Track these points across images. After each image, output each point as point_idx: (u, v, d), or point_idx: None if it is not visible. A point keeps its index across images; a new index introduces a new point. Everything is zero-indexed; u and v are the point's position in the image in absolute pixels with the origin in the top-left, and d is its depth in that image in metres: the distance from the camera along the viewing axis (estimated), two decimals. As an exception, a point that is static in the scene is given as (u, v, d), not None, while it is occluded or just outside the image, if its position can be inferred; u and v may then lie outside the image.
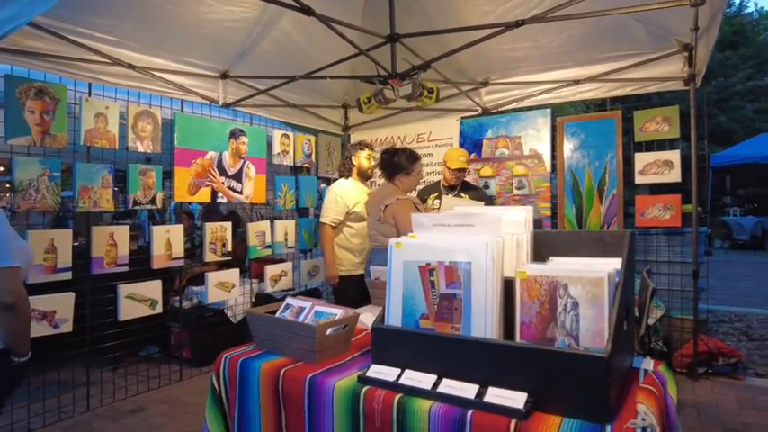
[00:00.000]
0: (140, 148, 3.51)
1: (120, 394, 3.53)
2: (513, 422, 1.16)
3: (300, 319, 1.80)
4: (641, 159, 3.79)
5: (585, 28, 3.36)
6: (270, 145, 4.55)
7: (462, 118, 4.75)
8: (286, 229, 4.62)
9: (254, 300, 4.66)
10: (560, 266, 1.38)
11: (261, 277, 4.70)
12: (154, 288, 3.58)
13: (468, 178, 4.29)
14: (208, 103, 4.13)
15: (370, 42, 3.28)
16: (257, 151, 4.36)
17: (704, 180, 3.62)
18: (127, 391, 3.60)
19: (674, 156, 3.70)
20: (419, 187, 3.97)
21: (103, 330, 3.49)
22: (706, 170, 3.74)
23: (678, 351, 3.87)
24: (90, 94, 3.32)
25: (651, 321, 3.76)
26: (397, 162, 3.11)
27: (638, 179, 3.82)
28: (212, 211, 6.24)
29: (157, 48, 3.46)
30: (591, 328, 1.24)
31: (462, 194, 3.86)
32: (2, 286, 1.60)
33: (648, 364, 1.52)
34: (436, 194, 3.95)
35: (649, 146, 3.85)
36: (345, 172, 3.80)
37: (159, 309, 3.60)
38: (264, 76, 4.00)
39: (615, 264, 1.37)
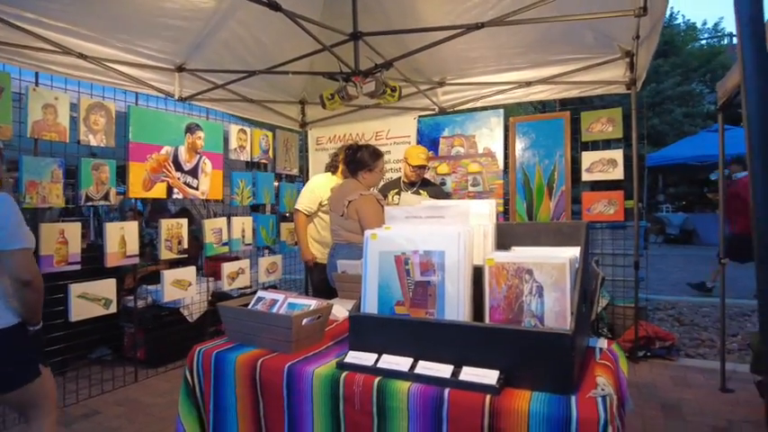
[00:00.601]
0: (93, 142, 3.38)
1: (70, 399, 3.39)
2: (487, 398, 1.25)
3: (274, 311, 1.83)
4: (588, 158, 4.04)
5: (539, 32, 3.54)
6: (226, 140, 4.48)
7: (420, 116, 4.87)
8: (243, 226, 4.57)
9: (210, 298, 4.58)
10: (525, 254, 1.49)
11: (216, 275, 4.63)
12: (108, 287, 3.45)
13: (427, 175, 4.41)
14: (163, 96, 4.02)
15: (332, 39, 3.31)
16: (214, 146, 4.29)
17: (642, 178, 3.91)
18: (78, 395, 3.46)
19: (618, 155, 3.97)
20: (380, 183, 4.06)
21: (51, 332, 3.33)
22: (643, 168, 4.03)
23: (621, 336, 4.15)
24: (37, 84, 3.17)
25: (598, 310, 4.03)
26: (361, 158, 3.16)
27: (585, 176, 4.06)
28: (160, 209, 6.05)
29: (110, 37, 3.34)
30: (554, 310, 1.35)
31: (421, 191, 3.97)
32: (21, 265, 1.81)
33: (603, 342, 1.66)
34: (396, 191, 4.04)
35: (595, 145, 4.10)
36: (332, 168, 3.97)
37: (113, 308, 3.48)
38: (222, 69, 3.94)
39: (574, 252, 1.50)
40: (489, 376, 1.29)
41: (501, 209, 4.44)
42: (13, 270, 1.81)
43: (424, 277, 1.49)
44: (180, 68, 3.95)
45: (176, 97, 4.09)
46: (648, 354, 4.07)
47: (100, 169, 3.42)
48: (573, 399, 1.21)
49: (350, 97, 3.22)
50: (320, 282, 3.71)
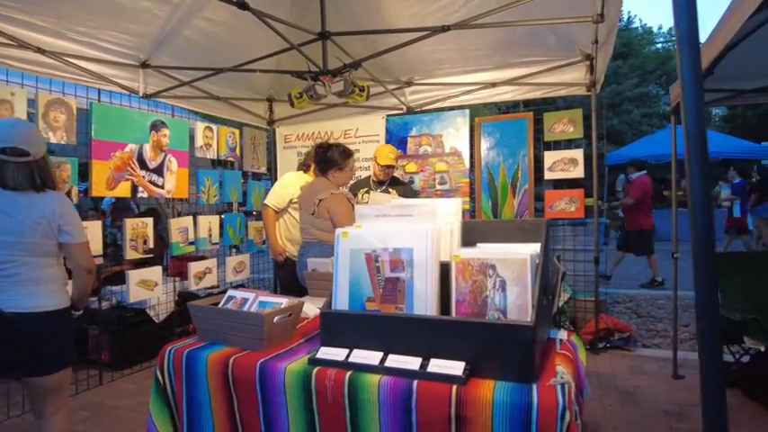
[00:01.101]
0: (53, 139, 3.28)
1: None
2: (454, 388, 1.31)
3: (245, 310, 1.84)
4: (550, 157, 4.18)
5: (503, 35, 3.64)
6: (192, 138, 4.41)
7: (388, 116, 4.92)
8: (210, 225, 4.52)
9: (177, 298, 4.51)
10: (489, 250, 1.56)
11: (183, 275, 4.56)
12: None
13: (396, 174, 4.47)
14: (127, 93, 3.93)
15: (300, 38, 3.32)
16: (179, 144, 4.22)
17: (602, 176, 4.08)
18: (39, 399, 3.35)
19: (578, 154, 4.13)
20: (350, 182, 4.10)
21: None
22: (603, 167, 4.20)
23: (582, 329, 4.32)
24: (-8, 79, 3.06)
25: (560, 304, 4.18)
26: (331, 157, 3.18)
27: (547, 175, 4.21)
28: (124, 208, 5.91)
29: (70, 31, 3.23)
30: (516, 303, 1.43)
31: (390, 189, 4.02)
32: (86, 256, 2.13)
33: (563, 334, 1.75)
34: (366, 189, 4.08)
35: (557, 145, 4.25)
36: (304, 167, 3.99)
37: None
38: (188, 66, 3.88)
39: (535, 248, 1.57)
40: (455, 367, 1.35)
41: (467, 207, 4.54)
42: (81, 259, 2.10)
43: (393, 274, 1.54)
44: (144, 64, 3.86)
45: (141, 94, 4.00)
46: (608, 345, 4.25)
47: (61, 167, 3.32)
48: (534, 387, 1.29)
49: (318, 96, 3.24)
50: (288, 280, 3.72)
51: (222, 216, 4.74)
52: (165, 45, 3.72)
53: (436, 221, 1.65)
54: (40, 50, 3.18)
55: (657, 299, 6.27)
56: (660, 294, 6.49)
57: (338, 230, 1.63)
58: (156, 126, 4.00)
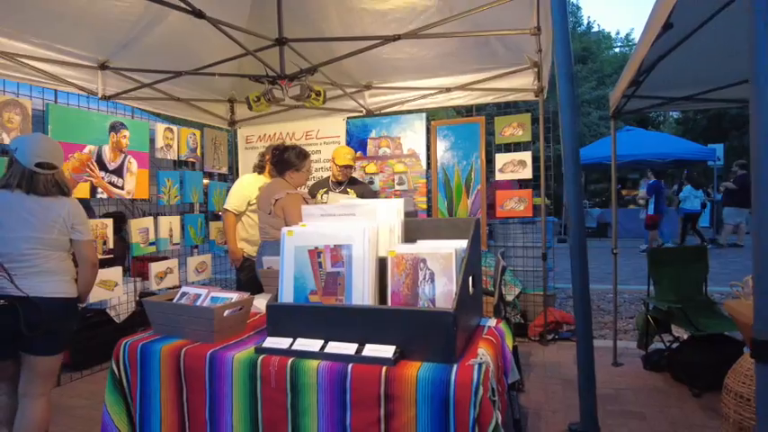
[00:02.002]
0: (6, 141, 3.27)
1: (-14, 405, 3.28)
2: (384, 369, 1.46)
3: (198, 304, 1.95)
4: (501, 159, 4.40)
5: (454, 43, 3.82)
6: (153, 139, 4.44)
7: (348, 118, 5.05)
8: (171, 226, 4.55)
9: (138, 298, 4.53)
10: (422, 246, 1.72)
11: (144, 275, 4.57)
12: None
13: (355, 174, 4.60)
14: (86, 94, 3.93)
15: (259, 43, 3.42)
16: (139, 145, 4.24)
17: (550, 177, 4.30)
18: (-6, 401, 3.34)
19: (527, 156, 4.36)
20: (309, 182, 4.21)
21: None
22: (552, 168, 4.43)
23: (532, 322, 4.56)
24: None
25: (510, 298, 4.41)
26: (287, 159, 3.29)
27: (498, 176, 4.42)
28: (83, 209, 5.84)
29: (26, 33, 3.24)
30: (443, 292, 1.59)
31: (349, 189, 4.15)
32: (92, 251, 2.43)
33: (492, 322, 1.93)
34: (325, 189, 4.20)
35: (507, 148, 4.47)
36: (259, 168, 4.04)
37: None
38: (148, 69, 3.92)
39: (462, 243, 1.74)
40: (387, 351, 1.50)
41: (425, 206, 4.72)
42: (89, 255, 2.39)
43: (334, 268, 1.68)
44: (103, 66, 3.88)
45: (99, 95, 4.01)
46: (556, 336, 4.49)
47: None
48: (455, 366, 1.45)
49: (276, 100, 3.34)
50: (248, 281, 3.80)
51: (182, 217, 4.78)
52: (126, 48, 3.76)
53: (376, 220, 1.80)
54: (-8, 51, 3.18)
55: (607, 293, 6.61)
56: (610, 289, 6.82)
57: (284, 229, 1.76)
58: (115, 127, 4.02)
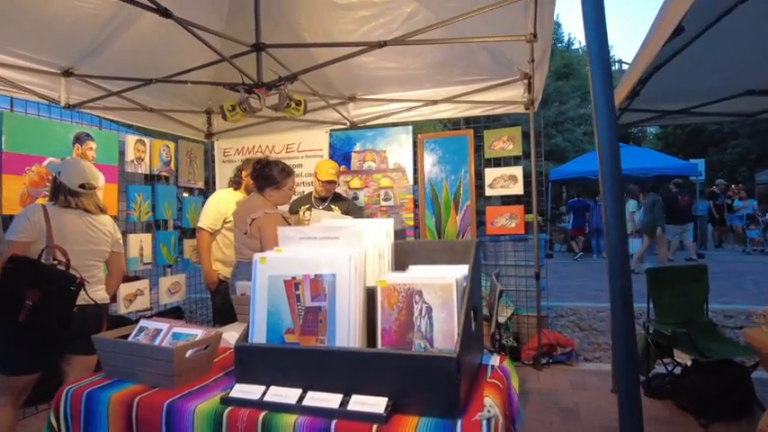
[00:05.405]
0: (-47, 152, 2.98)
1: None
2: (374, 427, 1.21)
3: (156, 343, 1.68)
4: (490, 174, 4.22)
5: (441, 53, 3.66)
6: (123, 152, 4.15)
7: (331, 130, 4.84)
8: (141, 244, 4.25)
9: (106, 323, 4.19)
10: (416, 274, 1.49)
11: (113, 297, 4.25)
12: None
13: (339, 190, 4.37)
14: (47, 102, 3.64)
15: (235, 50, 3.19)
16: (107, 158, 3.96)
17: (542, 192, 4.14)
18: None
19: (518, 171, 4.19)
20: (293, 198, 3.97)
21: None
22: (543, 183, 4.28)
23: (526, 345, 4.34)
24: None
25: (502, 320, 4.19)
26: (269, 174, 3.03)
27: (488, 192, 4.24)
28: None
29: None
30: (443, 330, 1.35)
31: (333, 206, 3.92)
32: (124, 262, 2.89)
33: (495, 360, 1.70)
34: (307, 206, 3.96)
35: (497, 162, 4.30)
36: (234, 184, 3.85)
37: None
38: (116, 76, 3.65)
39: (463, 270, 1.52)
40: (377, 404, 1.25)
41: (411, 223, 4.51)
42: (123, 266, 2.83)
43: (314, 303, 1.43)
44: (67, 73, 3.61)
45: (62, 104, 3.72)
46: (551, 360, 4.28)
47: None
48: (459, 423, 1.21)
49: (252, 110, 3.11)
50: (223, 305, 3.52)
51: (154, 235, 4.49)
52: (94, 54, 3.50)
53: (363, 244, 1.56)
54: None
55: (600, 311, 6.44)
56: (602, 307, 6.67)
57: (256, 255, 1.51)
58: (80, 138, 3.73)
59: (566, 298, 7.31)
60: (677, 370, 3.41)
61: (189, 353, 1.57)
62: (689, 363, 3.32)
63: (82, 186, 2.50)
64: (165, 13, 2.39)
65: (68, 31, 3.16)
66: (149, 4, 2.34)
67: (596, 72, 0.83)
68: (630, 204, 10.48)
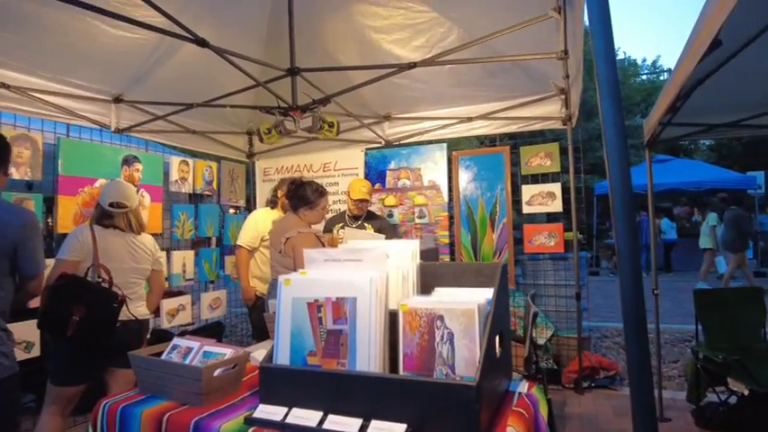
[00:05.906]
0: (15, 175, 3.20)
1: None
2: (392, 454, 1.20)
3: (188, 361, 1.73)
4: (528, 191, 4.14)
5: (475, 71, 3.64)
6: (167, 172, 4.35)
7: (367, 149, 4.89)
8: (184, 260, 4.41)
9: (149, 336, 4.35)
10: (439, 299, 1.47)
11: (157, 312, 4.42)
12: (29, 329, 3.22)
13: (374, 207, 4.40)
14: (98, 128, 3.87)
15: (272, 74, 3.30)
16: (153, 179, 4.15)
17: (581, 210, 4.02)
18: (-8, 448, 3.17)
19: (556, 188, 4.09)
20: (327, 215, 4.03)
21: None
22: (584, 200, 4.15)
23: (566, 368, 4.18)
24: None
25: (542, 341, 4.06)
26: (303, 194, 3.10)
27: (526, 209, 4.15)
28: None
29: (38, 67, 3.20)
30: (465, 357, 1.33)
31: (366, 224, 3.94)
32: (164, 279, 3.11)
33: (523, 387, 1.65)
34: (341, 225, 4.00)
35: (535, 178, 4.21)
36: (270, 204, 3.99)
37: (36, 352, 3.24)
38: (162, 102, 3.84)
39: (487, 294, 1.49)
40: (396, 430, 1.24)
41: (447, 241, 4.47)
42: (162, 282, 3.00)
43: (336, 326, 1.44)
44: (117, 99, 3.83)
45: (113, 129, 3.95)
46: (593, 384, 4.11)
47: (23, 203, 3.23)
48: (479, 452, 1.18)
49: (288, 132, 3.19)
50: (260, 321, 3.58)
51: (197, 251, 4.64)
52: (141, 81, 3.70)
53: (386, 267, 1.56)
54: (4, 85, 3.13)
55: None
56: (649, 327, 6.35)
57: (280, 277, 1.54)
58: (128, 161, 3.94)
59: (611, 318, 7.00)
60: (732, 399, 3.19)
61: (217, 372, 1.61)
62: (746, 392, 3.11)
63: (111, 205, 2.57)
64: (202, 43, 2.51)
65: (118, 60, 3.36)
66: (188, 35, 2.46)
67: (603, 84, 0.81)
68: (711, 217, 9.74)
